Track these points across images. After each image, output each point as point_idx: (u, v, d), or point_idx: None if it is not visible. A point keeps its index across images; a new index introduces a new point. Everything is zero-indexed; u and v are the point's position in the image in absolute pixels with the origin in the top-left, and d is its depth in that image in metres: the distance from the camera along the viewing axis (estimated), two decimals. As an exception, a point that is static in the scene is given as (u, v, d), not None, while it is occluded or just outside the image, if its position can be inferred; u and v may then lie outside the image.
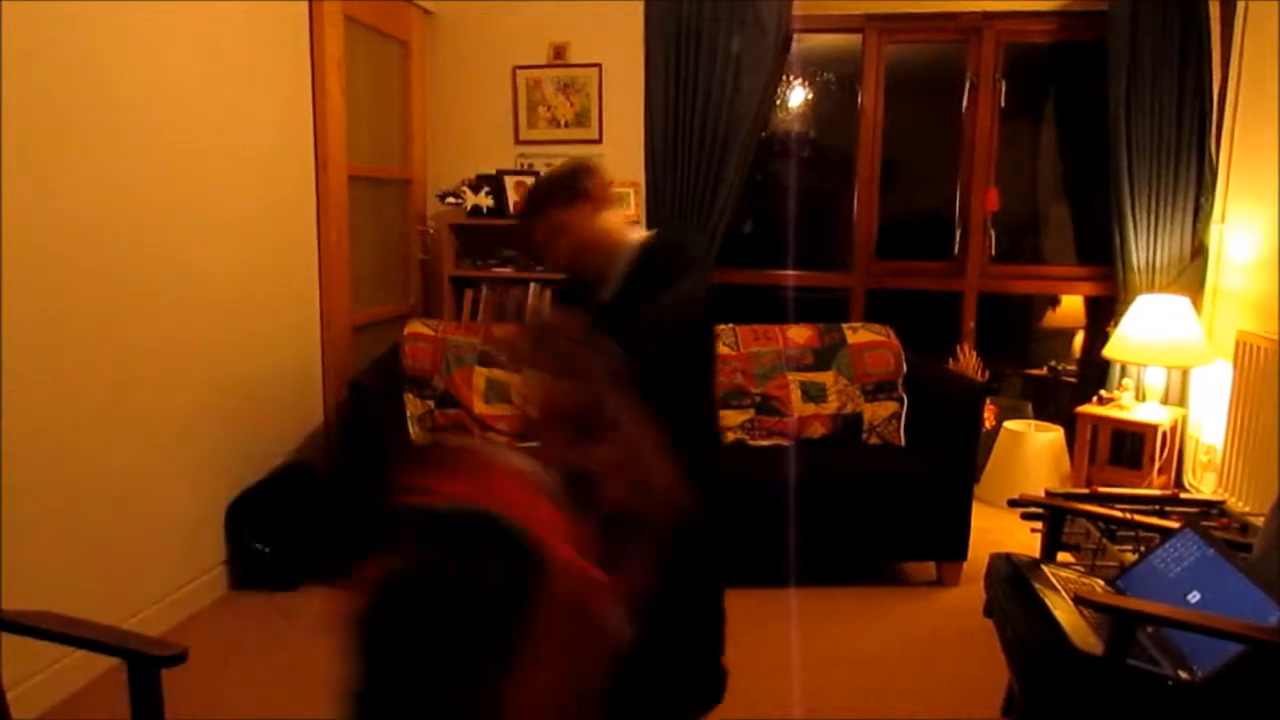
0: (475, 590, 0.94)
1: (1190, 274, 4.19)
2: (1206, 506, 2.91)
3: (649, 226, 4.57)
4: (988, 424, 4.37)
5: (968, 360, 4.55)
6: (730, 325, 3.93)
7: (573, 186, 2.10)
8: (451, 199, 4.56)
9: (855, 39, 4.55)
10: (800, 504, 3.23)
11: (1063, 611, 2.03)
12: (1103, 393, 4.26)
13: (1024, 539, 2.87)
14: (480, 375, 3.70)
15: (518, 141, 4.74)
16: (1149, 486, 3.88)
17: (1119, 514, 2.61)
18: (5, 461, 2.38)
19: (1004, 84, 4.48)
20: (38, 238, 2.46)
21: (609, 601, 1.01)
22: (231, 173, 3.27)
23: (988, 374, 4.63)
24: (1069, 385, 5.10)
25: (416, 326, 3.81)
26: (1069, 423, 4.35)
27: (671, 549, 1.10)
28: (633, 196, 4.53)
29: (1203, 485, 4.12)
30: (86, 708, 2.57)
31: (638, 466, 1.08)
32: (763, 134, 4.52)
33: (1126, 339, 4.02)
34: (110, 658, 1.59)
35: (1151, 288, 4.19)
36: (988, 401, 4.37)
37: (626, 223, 2.23)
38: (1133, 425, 4.11)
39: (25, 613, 1.70)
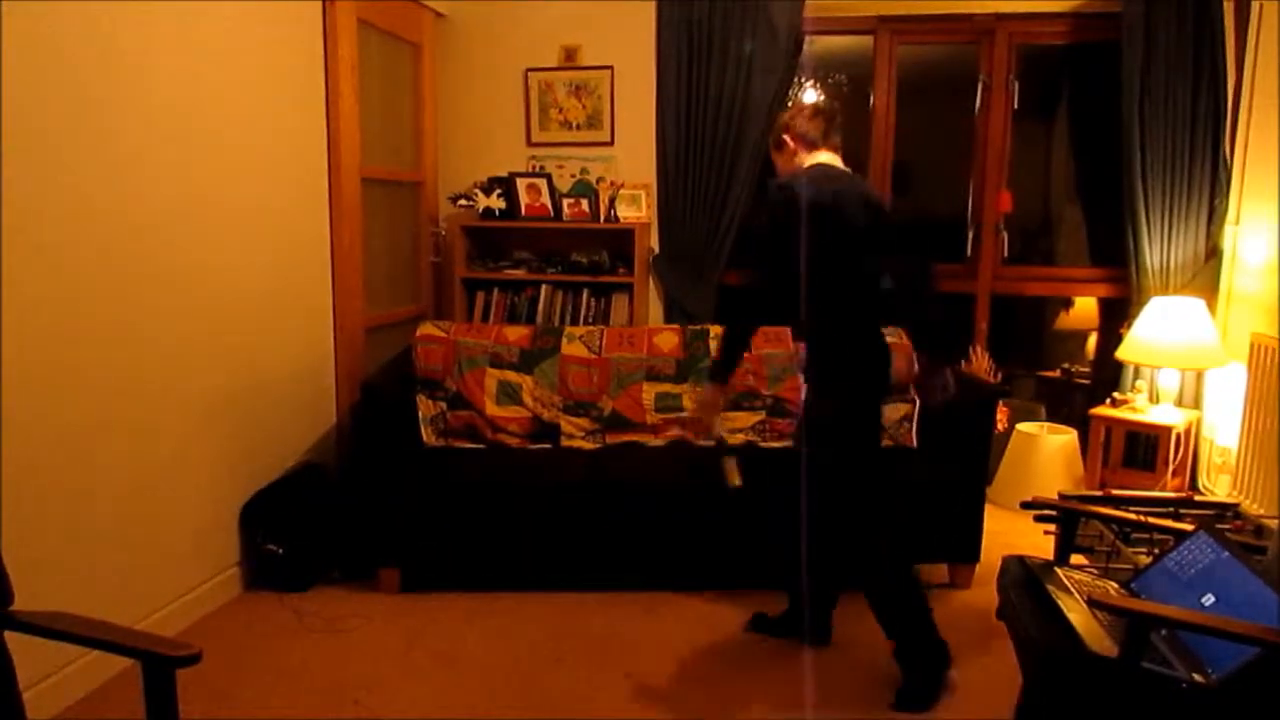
0: None
1: (1204, 276, 4.17)
2: (1221, 509, 2.89)
3: (659, 227, 4.58)
4: (1000, 426, 4.36)
5: (980, 362, 4.54)
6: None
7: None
8: (463, 201, 4.57)
9: (867, 40, 4.55)
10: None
11: (1076, 614, 2.02)
12: (1116, 395, 4.24)
13: (1037, 541, 2.86)
14: (492, 377, 3.70)
15: (529, 144, 4.76)
16: (1163, 489, 3.86)
17: (1133, 516, 2.59)
18: (19, 463, 2.40)
19: (1017, 85, 4.47)
20: (52, 239, 2.48)
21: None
22: (245, 175, 3.29)
23: (1000, 376, 4.62)
24: (1082, 387, 5.08)
25: (428, 328, 3.82)
26: (1082, 425, 4.33)
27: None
28: (644, 198, 4.53)
29: (1217, 488, 4.09)
30: (101, 708, 2.59)
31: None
32: (774, 136, 4.52)
33: (1140, 341, 4.00)
34: (125, 658, 1.59)
35: (1165, 289, 4.17)
36: (1000, 404, 4.36)
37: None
38: (1147, 427, 4.10)
39: (41, 613, 1.71)
